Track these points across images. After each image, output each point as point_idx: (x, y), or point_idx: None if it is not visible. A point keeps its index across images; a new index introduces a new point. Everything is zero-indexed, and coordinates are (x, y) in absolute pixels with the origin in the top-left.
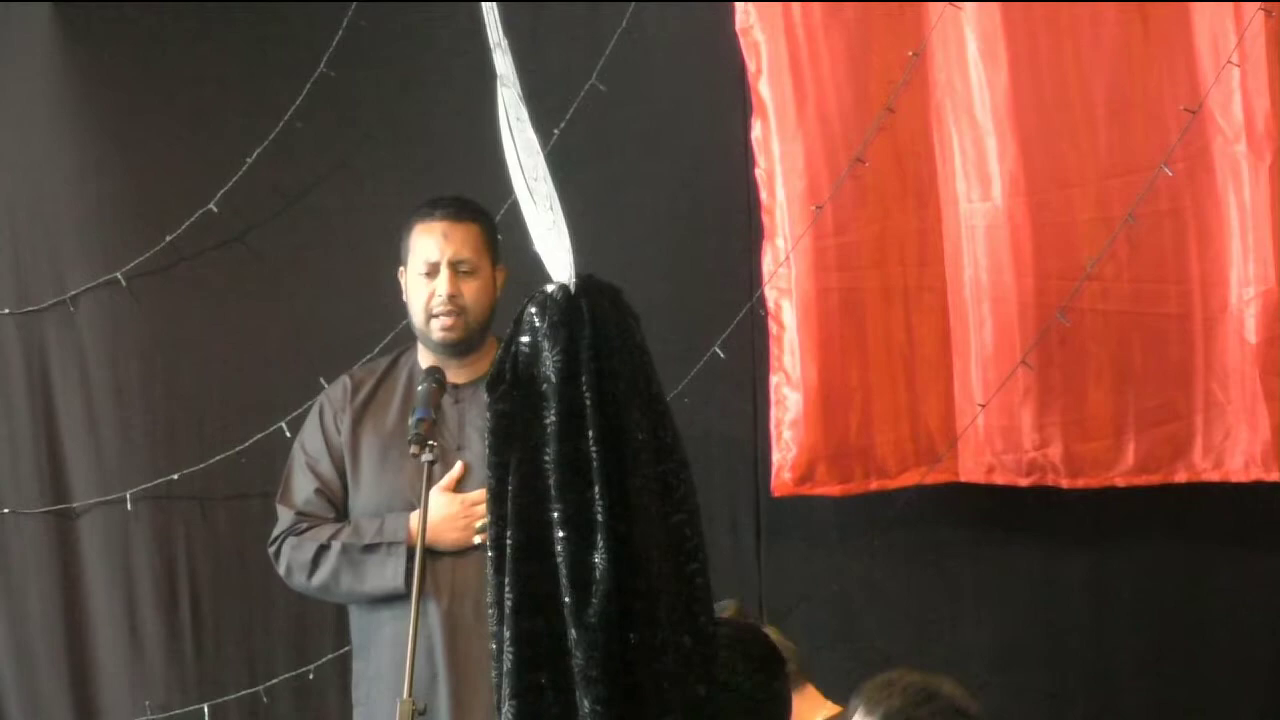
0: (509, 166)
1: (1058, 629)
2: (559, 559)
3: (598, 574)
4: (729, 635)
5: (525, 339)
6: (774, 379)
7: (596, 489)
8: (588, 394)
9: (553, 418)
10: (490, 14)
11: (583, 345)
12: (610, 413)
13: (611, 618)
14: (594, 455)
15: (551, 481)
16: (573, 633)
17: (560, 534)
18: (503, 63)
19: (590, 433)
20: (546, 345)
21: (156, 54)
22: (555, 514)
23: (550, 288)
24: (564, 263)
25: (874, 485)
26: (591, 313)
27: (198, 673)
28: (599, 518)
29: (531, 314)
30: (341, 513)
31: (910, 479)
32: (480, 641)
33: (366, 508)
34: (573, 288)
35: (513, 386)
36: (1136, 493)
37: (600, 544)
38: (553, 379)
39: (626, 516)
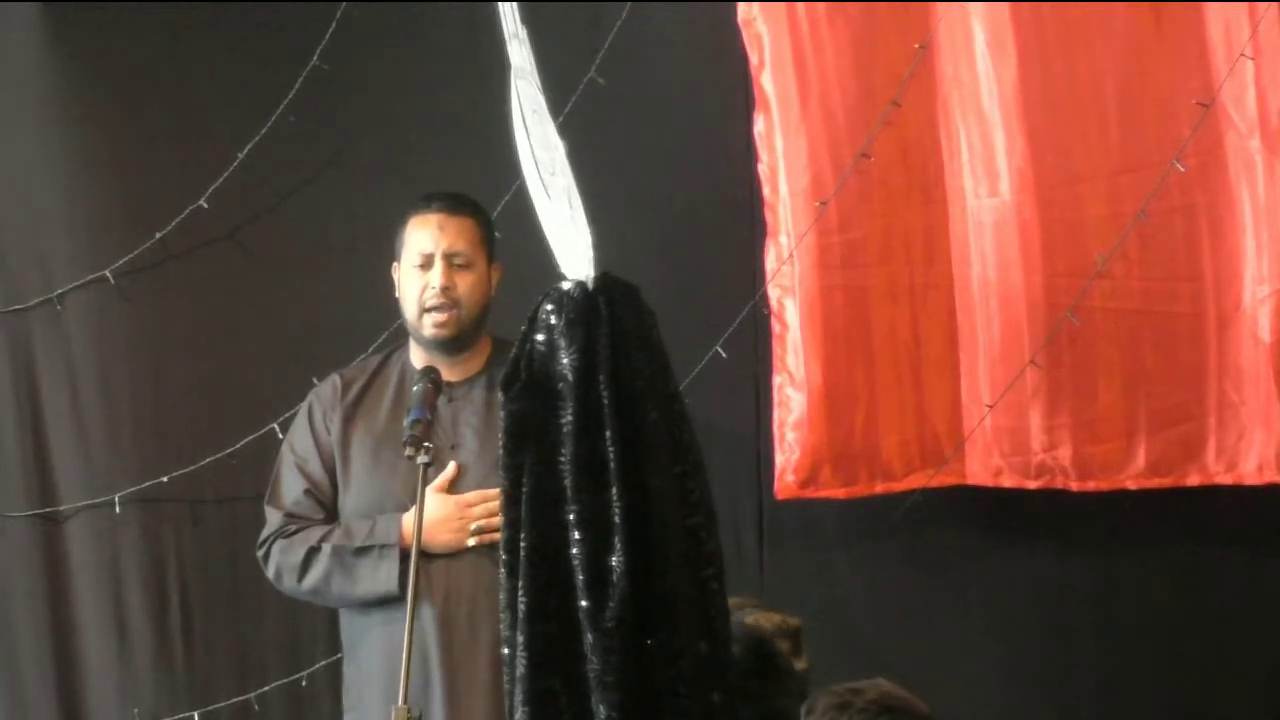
0: (521, 160)
1: (1067, 635)
2: (575, 562)
3: (614, 577)
4: (740, 641)
5: (541, 337)
6: (777, 379)
7: (613, 490)
8: (605, 393)
9: (569, 417)
10: (507, 5)
11: (600, 344)
12: (628, 413)
13: (628, 622)
14: (611, 456)
15: (567, 483)
16: (589, 637)
17: (576, 536)
18: (520, 54)
19: (608, 433)
20: (563, 343)
21: (145, 47)
22: (571, 516)
23: (566, 285)
24: (582, 259)
25: (879, 488)
26: (609, 311)
27: (188, 680)
28: (616, 520)
29: (547, 311)
30: (331, 514)
31: (916, 481)
32: (475, 645)
33: (358, 509)
34: (590, 285)
35: (527, 385)
36: (1148, 496)
37: (617, 547)
38: (569, 378)
39: (644, 519)
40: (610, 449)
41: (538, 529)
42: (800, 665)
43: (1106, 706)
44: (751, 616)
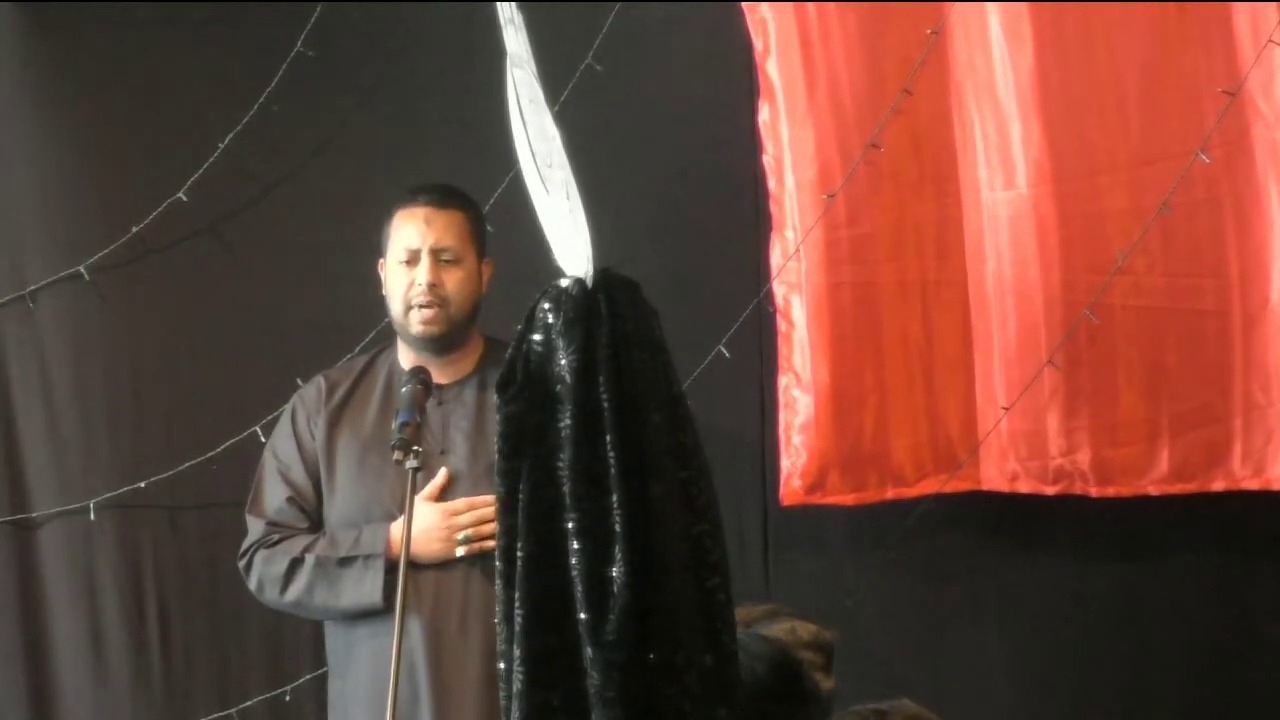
0: (518, 152)
1: (1086, 648)
2: (574, 572)
3: (615, 589)
4: (764, 659)
5: (537, 336)
6: (782, 380)
7: (614, 497)
8: (605, 395)
9: (567, 421)
10: None
11: (600, 343)
12: (629, 416)
13: (630, 635)
14: (611, 461)
15: (566, 489)
16: (588, 651)
17: (575, 545)
18: (515, 40)
19: (608, 437)
20: (561, 343)
21: (122, 33)
22: (570, 524)
23: (565, 282)
24: (581, 255)
25: (890, 494)
26: (610, 309)
27: (166, 694)
28: (617, 528)
29: (545, 310)
30: (316, 523)
31: (928, 487)
32: (465, 660)
33: (343, 517)
34: (589, 282)
35: (524, 387)
36: (1171, 502)
37: (618, 556)
38: (567, 379)
39: (646, 527)
40: (611, 454)
41: (535, 537)
42: (828, 684)
43: None
44: (787, 624)
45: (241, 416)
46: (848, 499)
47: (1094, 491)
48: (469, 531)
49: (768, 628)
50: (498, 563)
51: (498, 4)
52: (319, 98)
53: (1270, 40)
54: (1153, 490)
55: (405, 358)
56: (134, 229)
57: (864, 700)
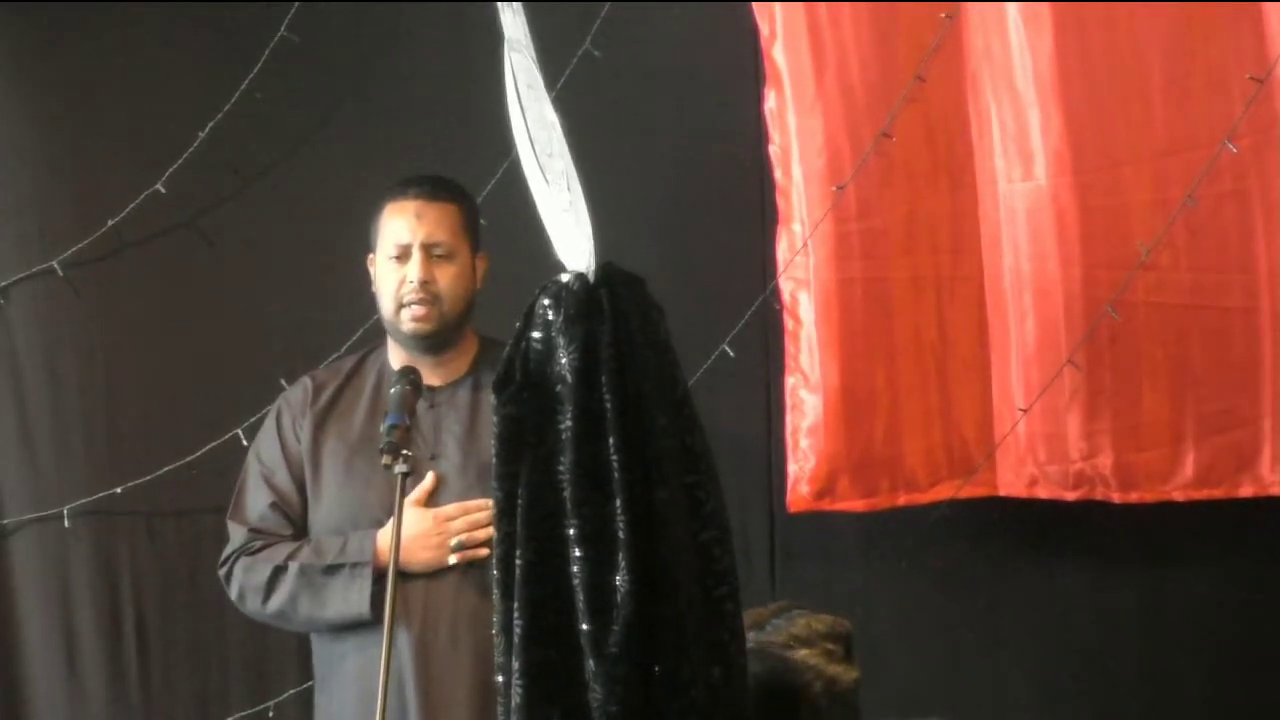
0: (516, 141)
1: (1108, 659)
2: (575, 581)
3: (619, 598)
4: (765, 666)
5: (537, 334)
6: (790, 380)
7: (618, 502)
8: (607, 396)
9: (568, 422)
10: None
11: (602, 342)
12: (633, 417)
13: (634, 647)
14: (615, 464)
15: (567, 494)
16: (590, 664)
17: (577, 553)
18: (513, 24)
19: (610, 439)
20: (561, 341)
21: (97, 18)
22: (571, 530)
23: (565, 277)
24: (582, 249)
25: (902, 500)
26: (612, 305)
27: (144, 709)
28: (620, 535)
29: (545, 306)
30: (300, 530)
31: (943, 493)
32: (457, 673)
33: (329, 524)
34: (591, 277)
35: (523, 388)
36: (1196, 508)
37: (622, 564)
38: (568, 379)
39: (651, 534)
40: (614, 457)
41: (534, 545)
42: (850, 674)
43: None
44: (801, 620)
45: (223, 419)
46: (858, 505)
47: (1116, 497)
48: (462, 537)
49: (781, 628)
50: (495, 571)
51: None
52: (305, 84)
53: None
54: (1178, 496)
55: (396, 357)
56: (110, 222)
57: (872, 712)
